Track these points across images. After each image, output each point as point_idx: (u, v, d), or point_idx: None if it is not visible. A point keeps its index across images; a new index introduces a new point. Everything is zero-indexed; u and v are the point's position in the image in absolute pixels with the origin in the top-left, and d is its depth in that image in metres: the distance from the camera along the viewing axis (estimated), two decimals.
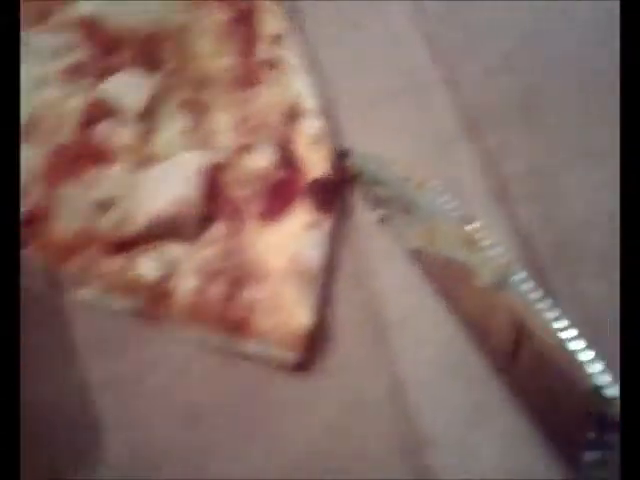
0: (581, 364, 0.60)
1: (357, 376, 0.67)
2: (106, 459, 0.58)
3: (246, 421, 0.66)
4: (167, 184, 0.72)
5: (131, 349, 0.68)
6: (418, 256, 0.73)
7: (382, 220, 0.76)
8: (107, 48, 0.86)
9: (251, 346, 0.69)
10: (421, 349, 0.68)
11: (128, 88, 0.78)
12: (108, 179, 0.74)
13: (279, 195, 0.73)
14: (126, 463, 0.59)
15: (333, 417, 0.66)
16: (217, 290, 0.68)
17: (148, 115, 0.80)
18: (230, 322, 0.69)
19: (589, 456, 0.57)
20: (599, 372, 0.59)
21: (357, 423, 0.65)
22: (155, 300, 0.71)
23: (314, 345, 0.67)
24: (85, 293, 0.72)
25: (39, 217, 0.75)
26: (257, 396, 0.67)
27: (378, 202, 0.77)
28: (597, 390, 0.58)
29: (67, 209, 0.72)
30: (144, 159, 0.78)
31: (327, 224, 0.74)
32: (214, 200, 0.75)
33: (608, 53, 0.74)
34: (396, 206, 0.75)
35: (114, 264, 0.68)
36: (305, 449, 0.64)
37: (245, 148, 0.79)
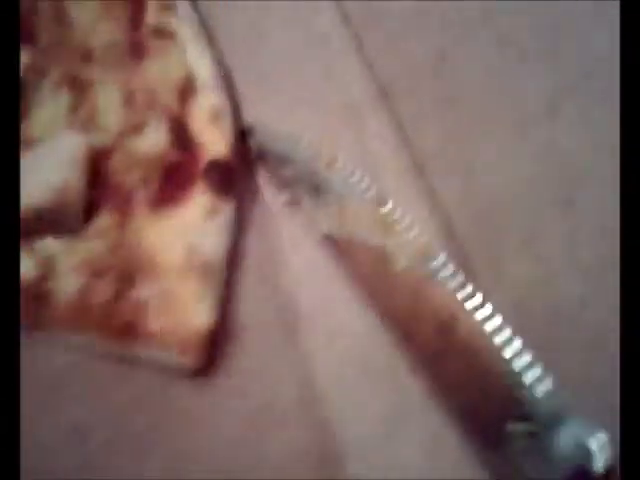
0: (506, 355, 0.55)
1: (265, 380, 0.61)
2: None
3: (140, 436, 0.59)
4: (43, 171, 0.64)
5: None
6: (330, 241, 0.66)
7: (290, 204, 0.69)
8: None
9: (143, 351, 0.61)
10: (335, 345, 0.62)
11: None
12: None
13: (173, 180, 0.68)
14: None
15: (239, 428, 0.60)
16: (103, 290, 0.63)
17: (24, 94, 0.72)
18: (118, 325, 0.62)
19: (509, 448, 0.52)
20: (525, 364, 0.55)
21: (265, 434, 0.59)
22: (32, 303, 0.63)
23: (216, 347, 0.61)
24: None
25: None
26: (152, 407, 0.60)
27: (285, 184, 0.70)
28: (519, 382, 0.54)
29: None
30: (22, 143, 0.68)
31: (229, 210, 0.67)
32: (98, 188, 0.67)
33: (527, 10, 0.69)
34: (305, 187, 0.69)
35: None
36: (208, 466, 0.58)
37: (133, 128, 0.72)
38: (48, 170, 0.63)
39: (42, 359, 0.61)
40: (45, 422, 0.59)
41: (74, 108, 0.72)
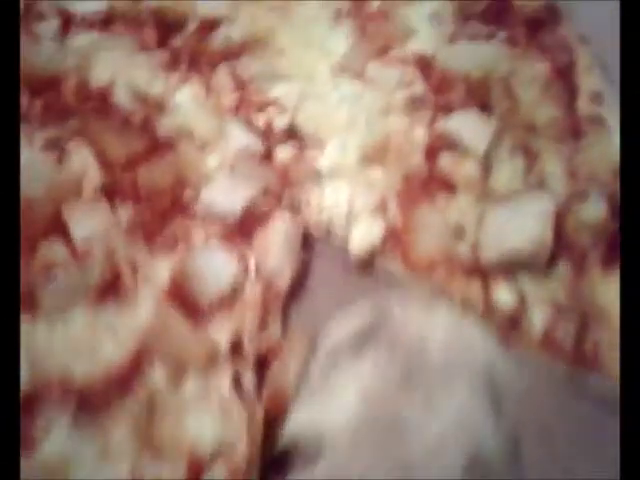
0: None
1: None
2: None
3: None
4: (519, 222, 0.81)
5: None
6: None
7: None
8: (440, 86, 0.95)
9: (597, 380, 0.75)
10: None
11: (470, 127, 0.87)
12: (457, 207, 0.82)
13: (616, 246, 0.78)
14: None
15: None
16: (567, 326, 0.75)
17: (487, 153, 0.86)
18: (579, 357, 0.76)
19: None
20: None
21: None
22: (509, 325, 0.78)
23: None
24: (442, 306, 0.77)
25: (398, 232, 0.84)
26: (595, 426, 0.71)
27: None
28: None
29: (425, 228, 0.81)
30: (485, 194, 0.86)
31: None
32: (558, 242, 0.81)
33: None
34: None
35: (471, 287, 0.76)
36: None
37: (578, 196, 0.86)
38: (524, 222, 0.80)
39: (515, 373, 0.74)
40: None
41: (528, 171, 0.88)
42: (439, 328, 0.71)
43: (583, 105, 0.95)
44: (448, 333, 0.70)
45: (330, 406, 0.64)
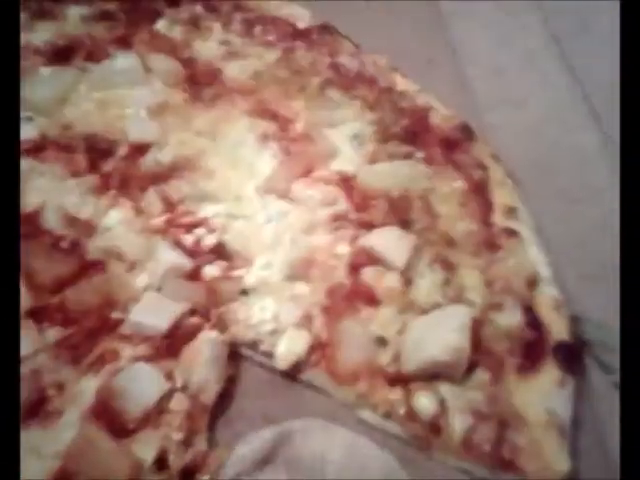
0: None
1: None
2: None
3: None
4: (438, 333, 0.87)
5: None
6: None
7: (616, 386, 0.86)
8: (362, 204, 1.03)
9: None
10: None
11: (390, 242, 0.95)
12: (379, 319, 0.90)
13: (530, 353, 0.88)
14: None
15: None
16: (486, 431, 0.81)
17: (407, 267, 0.94)
18: (498, 461, 0.81)
19: None
20: None
21: None
22: (429, 431, 0.83)
23: None
24: (367, 415, 0.85)
25: (324, 344, 0.89)
26: None
27: (610, 368, 0.88)
28: None
29: (349, 341, 0.89)
30: (406, 305, 0.92)
31: (571, 383, 0.85)
32: (477, 350, 0.87)
33: None
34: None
35: (393, 394, 0.84)
36: None
37: (495, 307, 0.93)
38: (443, 333, 0.87)
39: (436, 475, 0.82)
40: None
41: (446, 283, 0.95)
42: (337, 448, 0.76)
43: (498, 219, 1.03)
44: (345, 453, 0.76)
45: None
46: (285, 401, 0.85)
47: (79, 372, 0.81)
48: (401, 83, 1.19)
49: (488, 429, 0.80)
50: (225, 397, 0.84)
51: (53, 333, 0.84)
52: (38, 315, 0.85)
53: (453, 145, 1.10)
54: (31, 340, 0.82)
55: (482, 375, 0.86)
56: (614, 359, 0.88)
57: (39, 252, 0.91)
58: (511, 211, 1.02)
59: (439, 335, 0.86)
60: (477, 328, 0.88)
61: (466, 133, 1.11)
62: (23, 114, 1.04)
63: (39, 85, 1.10)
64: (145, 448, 0.76)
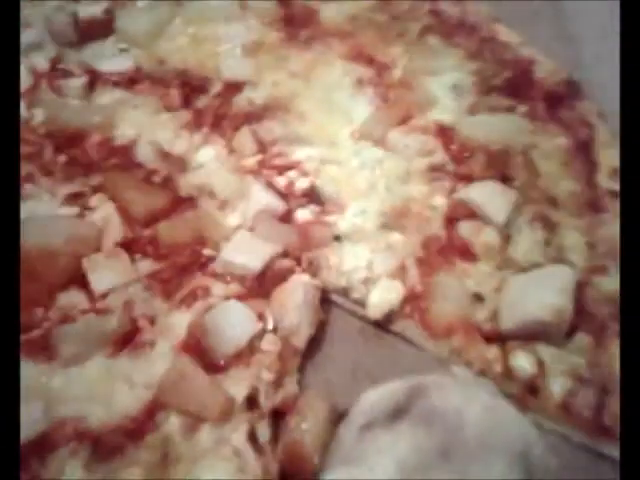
0: None
1: None
2: None
3: None
4: (540, 292, 0.84)
5: None
6: None
7: None
8: (460, 155, 1.00)
9: (611, 450, 0.77)
10: None
11: (489, 197, 0.92)
12: (476, 274, 0.87)
13: None
14: None
15: None
16: (586, 396, 0.79)
17: (507, 223, 0.91)
18: (597, 427, 0.78)
19: None
20: None
21: None
22: (527, 392, 0.81)
23: None
24: (459, 371, 0.83)
25: (418, 296, 0.87)
26: None
27: None
28: None
29: (444, 294, 0.86)
30: (505, 262, 0.90)
31: None
32: (579, 313, 0.84)
33: None
34: None
35: (489, 352, 0.81)
36: None
37: (598, 270, 0.90)
38: (545, 292, 0.84)
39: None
40: None
41: (547, 242, 0.92)
42: (475, 406, 0.72)
43: (603, 180, 0.99)
44: (484, 411, 0.72)
45: (365, 474, 0.66)
46: (376, 351, 0.84)
47: (171, 306, 0.81)
48: (504, 33, 1.15)
49: (589, 394, 0.76)
50: (315, 342, 0.83)
51: (145, 266, 0.84)
52: (131, 247, 0.86)
53: (558, 101, 1.06)
54: (124, 270, 0.83)
55: (583, 339, 0.83)
56: None
57: (132, 184, 0.92)
58: (617, 173, 0.97)
59: (541, 294, 0.83)
60: (580, 290, 0.85)
61: (572, 89, 1.07)
62: (118, 46, 1.06)
63: (135, 17, 1.11)
64: (236, 386, 0.75)
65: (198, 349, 0.77)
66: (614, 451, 0.75)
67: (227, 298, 0.81)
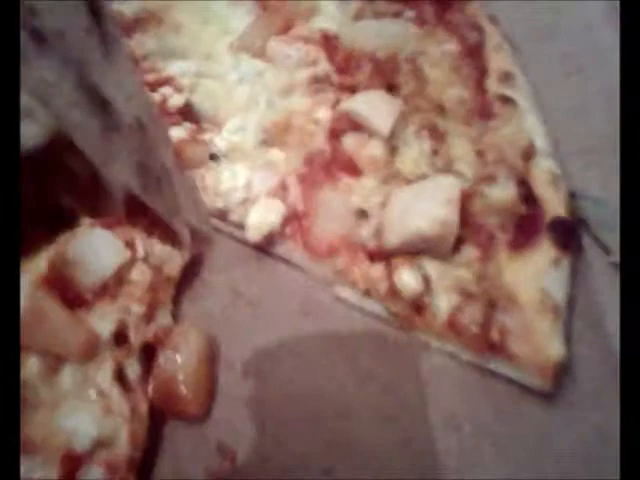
0: None
1: (595, 411, 0.75)
2: None
3: (501, 437, 0.75)
4: (424, 205, 0.81)
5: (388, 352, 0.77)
6: None
7: (615, 265, 0.83)
8: (345, 65, 0.95)
9: (503, 367, 0.77)
10: None
11: (374, 107, 0.88)
12: (361, 190, 0.83)
13: (524, 229, 0.83)
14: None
15: (571, 444, 0.72)
16: (473, 311, 0.77)
17: (393, 134, 0.88)
18: (486, 342, 0.77)
19: None
20: None
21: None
22: (412, 310, 0.79)
23: (557, 377, 0.74)
24: (343, 292, 0.81)
25: (299, 215, 0.84)
26: (506, 414, 0.75)
27: (609, 249, 0.85)
28: None
29: (327, 212, 0.82)
30: (390, 175, 0.87)
31: (567, 262, 0.81)
32: (466, 225, 0.82)
33: None
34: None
35: (374, 271, 0.78)
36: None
37: (487, 179, 0.87)
38: (430, 204, 0.81)
39: (419, 357, 0.78)
40: (421, 411, 0.75)
41: (434, 153, 0.89)
42: None
43: (492, 85, 0.96)
44: None
45: None
46: (257, 276, 0.82)
47: None
48: None
49: (476, 309, 0.74)
50: (191, 270, 0.79)
51: None
52: None
53: (446, 4, 1.02)
54: None
55: (471, 252, 0.82)
56: (613, 239, 0.83)
57: None
58: (507, 77, 0.95)
59: (425, 207, 0.81)
60: (467, 201, 0.83)
61: None
62: None
63: None
64: (102, 321, 0.71)
65: (60, 283, 0.72)
66: (502, 368, 0.76)
67: (92, 225, 0.74)
